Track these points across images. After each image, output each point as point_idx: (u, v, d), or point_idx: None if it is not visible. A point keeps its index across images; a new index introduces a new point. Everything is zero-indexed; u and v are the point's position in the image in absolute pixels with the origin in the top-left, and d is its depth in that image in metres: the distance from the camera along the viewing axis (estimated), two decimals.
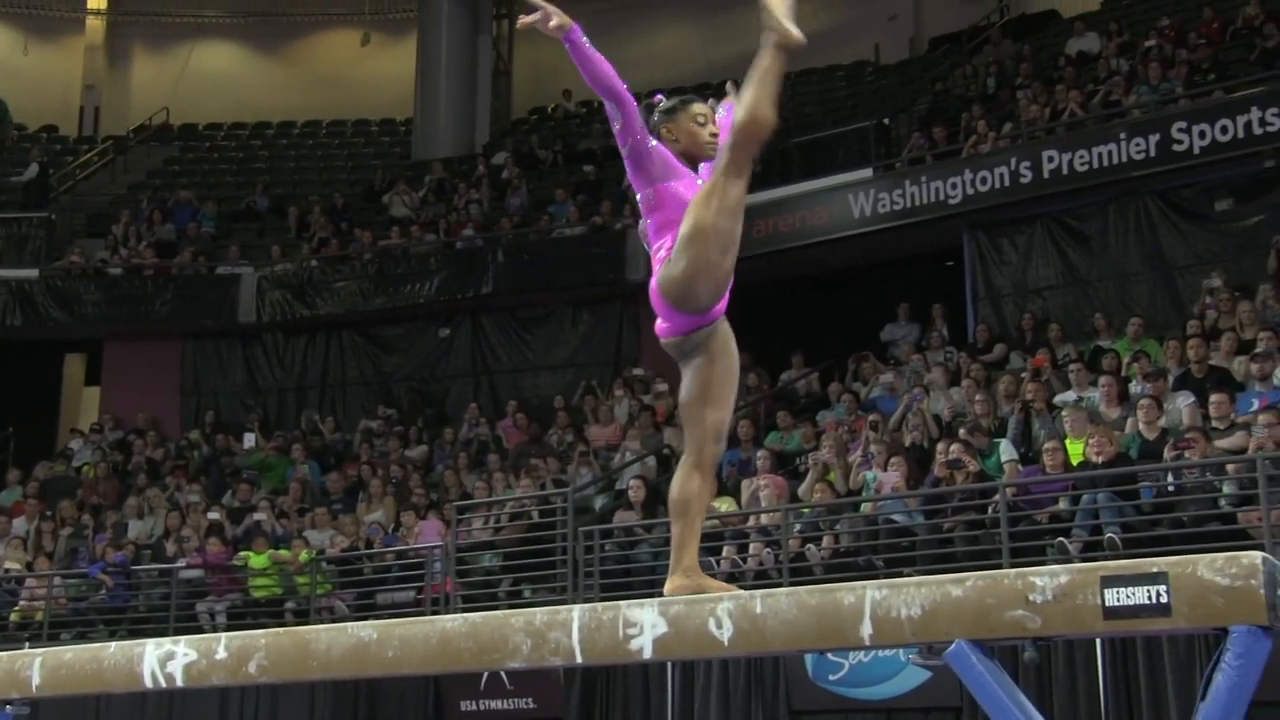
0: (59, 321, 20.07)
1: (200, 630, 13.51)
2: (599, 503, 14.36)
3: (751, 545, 12.18)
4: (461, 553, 13.73)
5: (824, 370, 16.02)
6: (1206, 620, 3.22)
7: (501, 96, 25.16)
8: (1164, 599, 3.23)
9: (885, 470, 11.92)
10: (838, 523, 12.04)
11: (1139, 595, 3.26)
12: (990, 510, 11.00)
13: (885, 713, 10.80)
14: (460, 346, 19.57)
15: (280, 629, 4.73)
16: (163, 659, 4.61)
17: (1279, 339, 12.16)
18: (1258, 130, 14.00)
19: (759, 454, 13.18)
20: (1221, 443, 10.78)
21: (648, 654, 3.86)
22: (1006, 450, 11.85)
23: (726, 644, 3.75)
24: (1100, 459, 10.91)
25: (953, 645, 3.49)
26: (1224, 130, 14.19)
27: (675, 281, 4.25)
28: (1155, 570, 3.27)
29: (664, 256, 4.30)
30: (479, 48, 24.38)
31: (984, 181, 15.53)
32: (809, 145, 17.27)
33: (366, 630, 4.29)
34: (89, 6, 26.70)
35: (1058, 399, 12.62)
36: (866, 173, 16.73)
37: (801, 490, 12.59)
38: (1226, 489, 10.40)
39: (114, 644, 4.94)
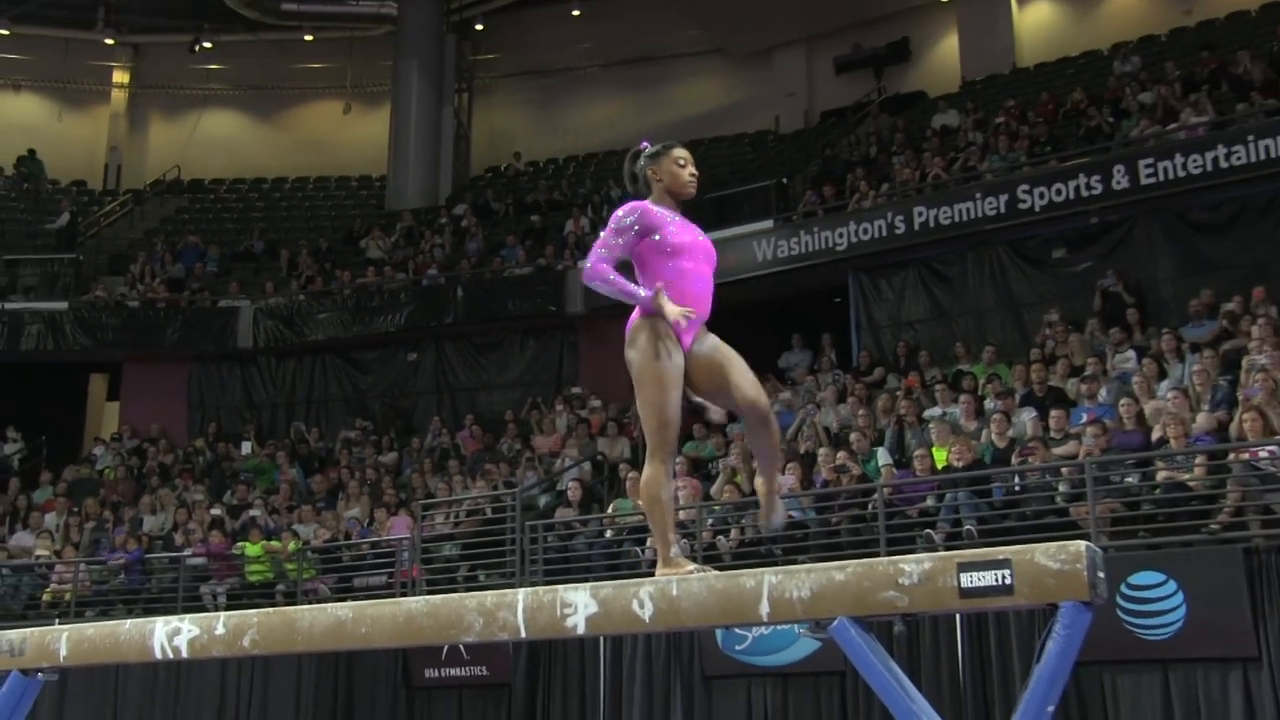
0: (84, 346, 19.81)
1: (204, 610, 13.29)
2: (543, 501, 14.26)
3: None
4: (426, 544, 13.60)
5: None
6: (1042, 598, 3.27)
7: (461, 157, 25.06)
8: (1008, 581, 3.27)
9: (783, 474, 11.94)
10: (743, 518, 12.06)
11: (988, 578, 3.30)
12: (870, 507, 11.03)
13: (782, 677, 10.77)
14: (426, 368, 19.43)
15: (270, 609, 4.67)
16: (170, 634, 4.56)
17: (1103, 364, 12.37)
18: (1085, 193, 14.27)
19: (677, 460, 13.14)
20: (1058, 450, 10.92)
21: (581, 630, 3.86)
22: (884, 456, 11.93)
23: (648, 621, 3.76)
24: (960, 464, 11.02)
25: (836, 621, 3.52)
26: (1059, 192, 14.42)
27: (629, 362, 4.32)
28: (1001, 558, 3.31)
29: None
30: (443, 116, 24.29)
31: (865, 232, 15.66)
32: (719, 200, 17.26)
33: (344, 610, 4.26)
34: (114, 81, 26.59)
35: (926, 414, 12.71)
36: (768, 223, 16.81)
37: (714, 490, 12.60)
38: (1061, 488, 10.52)
39: (129, 621, 4.88)
